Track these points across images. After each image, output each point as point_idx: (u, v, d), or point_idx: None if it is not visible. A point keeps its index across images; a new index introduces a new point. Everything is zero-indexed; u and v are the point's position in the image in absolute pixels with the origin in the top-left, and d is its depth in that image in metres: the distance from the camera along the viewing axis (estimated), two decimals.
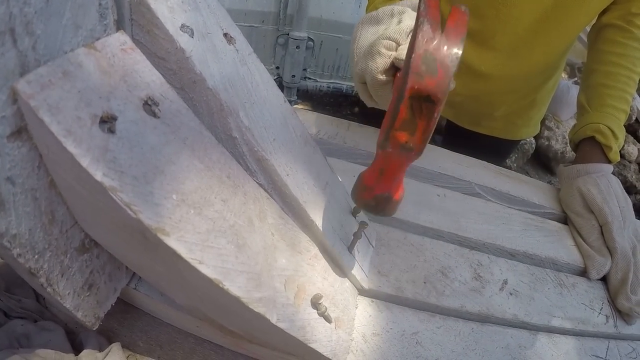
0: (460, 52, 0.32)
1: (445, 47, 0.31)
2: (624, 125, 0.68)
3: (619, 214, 0.60)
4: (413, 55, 0.30)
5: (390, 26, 0.49)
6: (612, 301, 0.55)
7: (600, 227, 0.60)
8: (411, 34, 0.34)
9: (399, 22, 0.49)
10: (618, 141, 0.66)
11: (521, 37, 0.68)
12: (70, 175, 0.24)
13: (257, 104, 0.36)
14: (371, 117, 0.92)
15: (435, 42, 0.31)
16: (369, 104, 0.53)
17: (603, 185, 0.62)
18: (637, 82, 0.68)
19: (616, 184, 0.64)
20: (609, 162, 0.66)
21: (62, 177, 0.25)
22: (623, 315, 0.53)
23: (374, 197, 0.36)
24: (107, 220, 0.27)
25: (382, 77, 0.46)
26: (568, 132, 0.74)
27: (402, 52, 0.45)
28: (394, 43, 0.46)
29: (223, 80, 0.33)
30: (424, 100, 0.30)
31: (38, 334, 0.37)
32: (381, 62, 0.46)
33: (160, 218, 0.25)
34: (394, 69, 0.46)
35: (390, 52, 0.46)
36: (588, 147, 0.67)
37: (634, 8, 0.66)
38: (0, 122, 0.21)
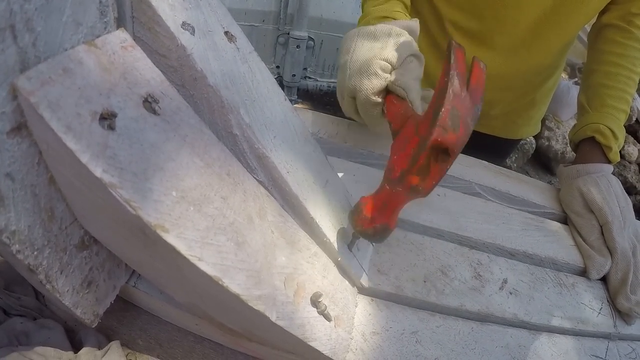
0: (479, 110, 0.33)
1: (470, 106, 0.32)
2: (624, 126, 0.68)
3: (619, 213, 0.60)
4: (442, 110, 0.30)
5: (387, 47, 0.48)
6: (612, 301, 0.54)
7: (601, 227, 0.60)
8: (438, 83, 0.34)
9: (396, 44, 0.49)
10: (618, 141, 0.66)
11: (520, 38, 0.68)
12: (70, 171, 0.24)
13: (257, 102, 0.36)
14: None
15: (462, 98, 0.32)
16: (351, 117, 0.53)
17: (603, 185, 0.62)
18: (637, 82, 0.68)
19: (616, 184, 0.64)
20: (609, 162, 0.66)
21: (62, 173, 0.25)
22: (623, 315, 0.53)
23: (373, 227, 0.37)
24: (106, 216, 0.27)
25: (376, 98, 0.47)
26: (568, 132, 0.74)
27: (399, 77, 0.46)
28: (389, 65, 0.47)
29: (224, 77, 0.33)
30: (440, 152, 0.31)
31: (37, 331, 0.37)
32: (377, 83, 0.46)
33: (160, 215, 0.24)
34: (386, 90, 0.47)
35: (385, 75, 0.47)
36: (588, 147, 0.67)
37: (634, 8, 0.66)
38: (0, 118, 0.21)
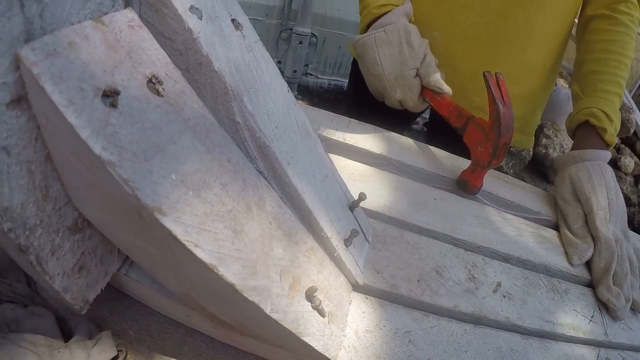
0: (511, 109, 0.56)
1: (510, 113, 0.56)
2: (622, 133, 0.68)
3: (606, 205, 0.60)
4: (502, 126, 0.55)
5: (403, 49, 0.64)
6: (594, 289, 0.55)
7: (585, 216, 0.61)
8: (489, 106, 0.56)
9: (408, 43, 0.63)
10: (613, 123, 0.65)
11: (495, 22, 0.69)
12: (69, 147, 0.23)
13: (261, 91, 0.35)
14: (370, 116, 0.92)
15: (507, 114, 0.55)
16: (396, 107, 0.71)
17: (595, 174, 0.62)
18: (629, 66, 0.68)
19: (609, 176, 0.63)
20: (606, 145, 0.66)
21: (60, 150, 0.25)
22: (607, 310, 0.53)
23: (477, 189, 0.62)
24: (102, 197, 0.27)
25: (419, 100, 0.66)
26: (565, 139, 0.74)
27: (427, 76, 0.64)
28: (416, 69, 0.63)
29: (229, 64, 0.32)
30: (504, 144, 0.56)
31: (28, 318, 0.36)
32: (416, 90, 0.64)
33: (158, 197, 0.24)
34: (421, 87, 0.65)
35: (417, 80, 0.64)
36: (583, 132, 0.67)
37: None
38: (1, 89, 0.21)
